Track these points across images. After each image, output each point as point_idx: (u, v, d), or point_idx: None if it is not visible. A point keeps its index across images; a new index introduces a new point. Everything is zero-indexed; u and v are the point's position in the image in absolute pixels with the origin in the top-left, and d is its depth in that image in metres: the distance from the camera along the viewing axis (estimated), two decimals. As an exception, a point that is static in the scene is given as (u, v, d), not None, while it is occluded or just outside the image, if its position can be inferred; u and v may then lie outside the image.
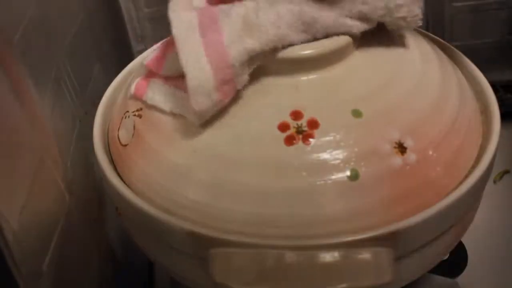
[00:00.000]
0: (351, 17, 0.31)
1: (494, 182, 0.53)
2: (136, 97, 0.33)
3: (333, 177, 0.28)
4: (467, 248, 0.46)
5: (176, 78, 0.32)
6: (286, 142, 0.29)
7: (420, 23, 0.32)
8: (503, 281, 0.45)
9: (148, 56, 0.34)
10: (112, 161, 0.34)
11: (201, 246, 0.28)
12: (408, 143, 0.29)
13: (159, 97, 0.32)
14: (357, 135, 0.29)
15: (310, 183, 0.28)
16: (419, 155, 0.29)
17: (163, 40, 0.35)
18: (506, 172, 0.54)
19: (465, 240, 0.44)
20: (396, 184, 0.28)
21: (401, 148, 0.29)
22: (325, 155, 0.28)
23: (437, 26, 0.55)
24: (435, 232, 0.29)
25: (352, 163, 0.28)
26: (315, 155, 0.28)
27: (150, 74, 0.33)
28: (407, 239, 0.28)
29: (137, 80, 0.34)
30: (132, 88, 0.33)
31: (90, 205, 0.37)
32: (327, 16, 0.31)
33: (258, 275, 0.26)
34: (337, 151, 0.28)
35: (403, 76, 0.31)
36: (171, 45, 0.32)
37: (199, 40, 0.29)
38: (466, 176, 0.30)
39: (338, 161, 0.28)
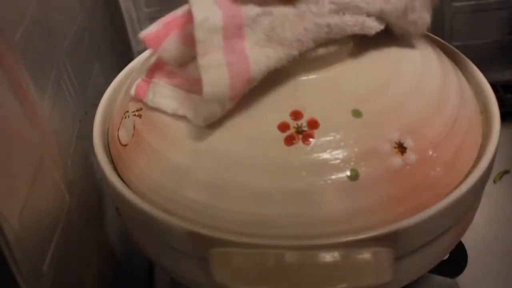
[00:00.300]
0: (370, 16, 0.31)
1: (494, 182, 0.53)
2: (136, 99, 0.33)
3: (333, 177, 0.28)
4: (467, 248, 0.46)
5: (178, 76, 0.32)
6: (286, 142, 0.29)
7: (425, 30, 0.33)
8: (503, 281, 0.45)
9: (147, 29, 0.32)
10: (112, 161, 0.34)
11: (201, 246, 0.28)
12: (408, 143, 0.29)
13: (160, 99, 0.32)
14: (357, 135, 0.29)
15: (310, 183, 0.28)
16: (419, 155, 0.29)
17: (170, 15, 0.33)
18: (506, 172, 0.54)
19: (465, 240, 0.44)
20: (396, 184, 0.28)
21: (401, 148, 0.29)
22: (325, 155, 0.28)
23: (437, 26, 0.55)
24: (435, 232, 0.29)
25: (352, 163, 0.28)
26: (315, 155, 0.28)
27: (151, 73, 0.33)
28: (407, 239, 0.28)
29: (138, 81, 0.33)
30: (133, 90, 0.33)
31: (90, 205, 0.37)
32: (350, 21, 0.30)
33: (258, 275, 0.26)
34: (337, 151, 0.28)
35: (403, 76, 0.31)
36: (175, 25, 0.31)
37: (222, 45, 0.29)
38: (466, 176, 0.30)
39: (338, 161, 0.28)
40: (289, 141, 0.29)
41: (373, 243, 0.27)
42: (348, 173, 0.28)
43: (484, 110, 0.34)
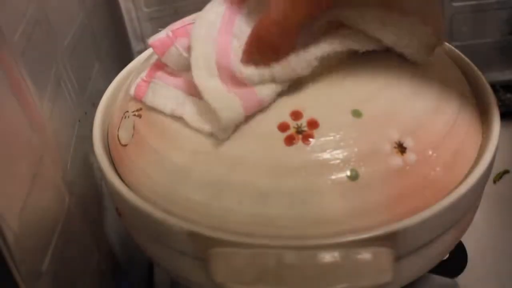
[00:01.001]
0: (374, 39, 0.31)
1: (494, 182, 0.53)
2: (136, 99, 0.33)
3: (333, 177, 0.28)
4: (467, 248, 0.46)
5: (178, 77, 0.32)
6: (286, 142, 0.29)
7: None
8: (503, 281, 0.45)
9: (155, 35, 0.33)
10: (112, 161, 0.34)
11: (201, 246, 0.28)
12: (408, 143, 0.29)
13: (159, 99, 0.32)
14: (357, 135, 0.29)
15: (310, 183, 0.28)
16: (419, 155, 0.29)
17: (178, 22, 0.33)
18: (506, 172, 0.54)
19: (465, 240, 0.44)
20: (396, 184, 0.28)
21: (401, 148, 0.29)
22: (325, 155, 0.28)
23: (437, 26, 0.55)
24: (435, 232, 0.29)
25: (352, 163, 0.28)
26: (314, 155, 0.28)
27: (150, 73, 0.33)
28: (407, 239, 0.28)
29: (137, 80, 0.33)
30: (132, 89, 0.33)
31: (90, 205, 0.37)
32: (358, 43, 0.31)
33: (258, 275, 0.26)
34: (337, 151, 0.28)
35: (403, 77, 0.31)
36: (182, 33, 0.32)
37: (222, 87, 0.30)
38: (466, 176, 0.30)
39: (338, 161, 0.28)
40: (289, 141, 0.29)
41: (373, 243, 0.27)
42: (348, 173, 0.28)
43: (484, 110, 0.34)
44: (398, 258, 0.28)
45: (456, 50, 0.37)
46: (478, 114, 0.34)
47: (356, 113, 0.29)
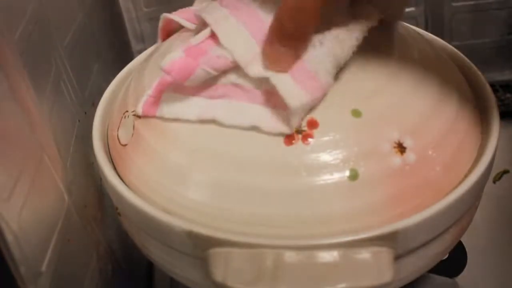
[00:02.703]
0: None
1: (494, 182, 0.53)
2: (146, 116, 0.32)
3: (333, 177, 0.28)
4: (466, 248, 0.46)
5: (189, 88, 0.31)
6: (286, 142, 0.29)
7: None
8: (503, 281, 0.45)
9: (167, 60, 0.30)
10: (111, 161, 0.34)
11: (201, 246, 0.28)
12: (407, 142, 0.29)
13: (178, 109, 0.31)
14: (357, 135, 0.29)
15: (310, 183, 0.28)
16: (418, 155, 0.29)
17: (187, 43, 0.31)
18: (506, 172, 0.54)
19: (465, 240, 0.44)
20: (395, 184, 0.28)
21: (401, 148, 0.29)
22: (324, 155, 0.28)
23: (436, 26, 0.55)
24: (435, 232, 0.29)
25: (351, 163, 0.28)
26: (314, 155, 0.28)
27: (158, 89, 0.31)
28: (407, 239, 0.28)
29: (144, 98, 0.32)
30: (140, 109, 0.32)
31: (90, 205, 0.37)
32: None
33: (257, 275, 0.26)
34: (336, 151, 0.28)
35: (402, 76, 0.31)
36: (199, 53, 0.30)
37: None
38: (466, 176, 0.30)
39: (337, 161, 0.28)
40: (289, 141, 0.29)
41: (373, 243, 0.27)
42: (348, 173, 0.28)
43: (484, 110, 0.34)
44: (397, 258, 0.28)
45: (456, 50, 0.37)
46: (477, 113, 0.34)
47: (356, 113, 0.29)
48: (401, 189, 0.28)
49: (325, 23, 0.30)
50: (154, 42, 0.39)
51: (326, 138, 0.29)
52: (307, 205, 0.28)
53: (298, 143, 0.28)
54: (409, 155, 0.29)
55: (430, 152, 0.29)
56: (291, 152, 0.28)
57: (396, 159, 0.29)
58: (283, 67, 0.29)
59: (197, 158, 0.29)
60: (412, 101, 0.31)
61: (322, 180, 0.28)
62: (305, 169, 0.28)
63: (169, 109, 0.31)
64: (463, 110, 0.32)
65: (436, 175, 0.29)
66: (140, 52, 0.41)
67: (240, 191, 0.28)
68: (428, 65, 0.33)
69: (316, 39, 0.29)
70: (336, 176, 0.28)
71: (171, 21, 0.36)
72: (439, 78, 0.33)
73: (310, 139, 0.29)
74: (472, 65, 0.36)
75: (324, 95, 0.29)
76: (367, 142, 0.29)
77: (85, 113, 0.39)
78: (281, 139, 0.29)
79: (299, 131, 0.29)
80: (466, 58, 0.37)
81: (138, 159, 0.32)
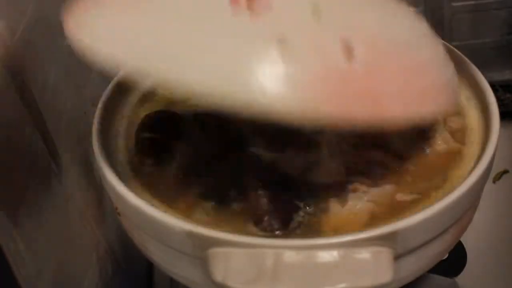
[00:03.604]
0: None
1: (494, 182, 0.53)
2: None
3: (267, 45, 0.26)
4: (466, 248, 0.46)
5: None
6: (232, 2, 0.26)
7: None
8: (502, 281, 0.46)
9: None
10: (111, 161, 0.34)
11: (200, 246, 0.28)
12: (358, 49, 0.27)
13: None
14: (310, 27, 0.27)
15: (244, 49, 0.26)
16: (367, 67, 0.27)
17: None
18: (506, 172, 0.54)
19: (464, 240, 0.44)
20: (335, 83, 0.26)
21: (349, 51, 0.27)
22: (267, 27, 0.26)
23: (436, 26, 0.55)
24: (435, 231, 0.29)
25: (290, 39, 0.26)
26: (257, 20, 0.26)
27: None
28: (406, 239, 0.28)
29: None
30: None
31: (90, 205, 0.37)
32: None
33: (257, 275, 0.26)
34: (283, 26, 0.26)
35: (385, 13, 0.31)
36: None
37: None
38: (466, 176, 0.30)
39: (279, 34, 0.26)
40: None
41: (373, 243, 0.27)
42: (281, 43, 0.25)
43: (484, 110, 0.34)
44: (397, 258, 0.28)
45: (456, 50, 0.37)
46: (455, 78, 0.33)
47: (316, 7, 0.27)
48: (340, 91, 0.26)
49: None
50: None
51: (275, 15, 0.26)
52: (234, 72, 0.25)
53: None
54: (357, 62, 0.27)
55: (378, 69, 0.28)
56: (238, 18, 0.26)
57: (341, 60, 0.26)
58: None
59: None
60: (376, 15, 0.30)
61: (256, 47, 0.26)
62: (242, 34, 0.26)
63: None
64: (432, 65, 0.31)
65: (380, 94, 0.27)
66: (140, 52, 0.41)
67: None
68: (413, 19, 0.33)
69: None
70: (272, 45, 0.25)
71: None
72: (412, 29, 0.32)
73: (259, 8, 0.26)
74: (472, 65, 0.36)
75: None
76: (317, 35, 0.27)
77: (85, 113, 0.39)
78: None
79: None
80: (466, 58, 0.37)
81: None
